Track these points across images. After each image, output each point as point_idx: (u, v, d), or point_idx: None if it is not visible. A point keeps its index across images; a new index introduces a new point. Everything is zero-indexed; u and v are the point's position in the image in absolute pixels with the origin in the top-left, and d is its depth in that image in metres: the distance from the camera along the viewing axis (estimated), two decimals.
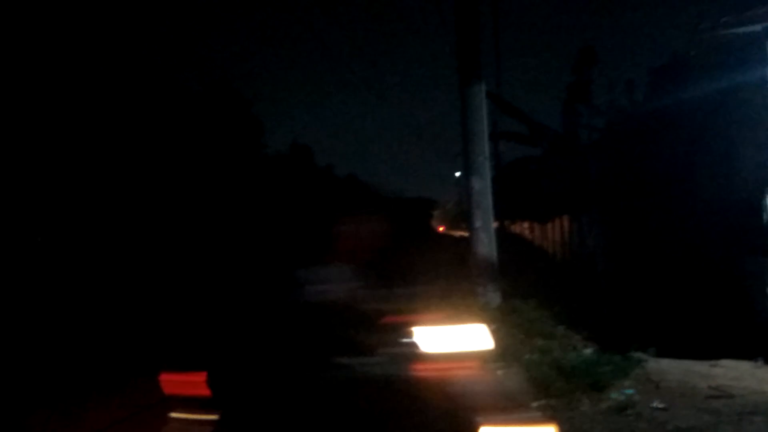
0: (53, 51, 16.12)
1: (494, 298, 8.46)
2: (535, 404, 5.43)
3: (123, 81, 17.84)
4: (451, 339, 2.77)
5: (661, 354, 6.85)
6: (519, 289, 9.09)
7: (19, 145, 14.81)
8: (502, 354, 6.58)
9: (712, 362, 6.60)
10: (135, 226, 17.63)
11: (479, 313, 7.65)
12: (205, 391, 2.75)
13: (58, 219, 16.25)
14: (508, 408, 2.59)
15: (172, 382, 2.86)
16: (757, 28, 6.83)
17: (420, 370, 2.69)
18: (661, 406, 5.35)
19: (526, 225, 28.45)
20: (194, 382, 2.76)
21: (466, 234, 10.72)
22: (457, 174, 53.12)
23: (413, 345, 2.75)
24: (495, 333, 7.55)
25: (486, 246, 8.62)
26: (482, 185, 8.67)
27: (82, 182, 16.20)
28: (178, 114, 19.22)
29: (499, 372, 6.05)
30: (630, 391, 5.74)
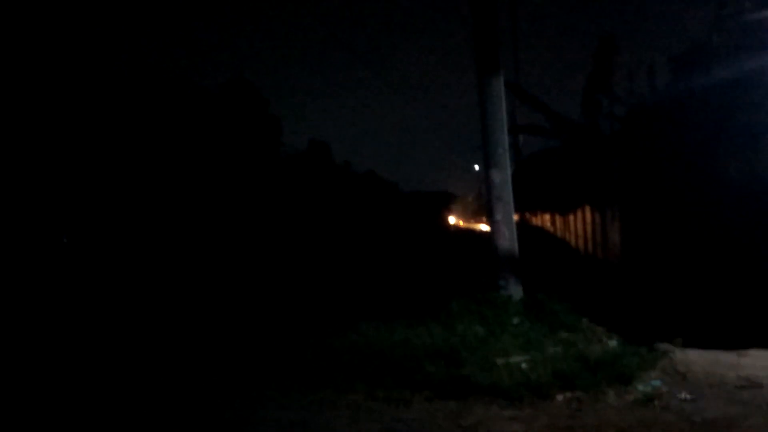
0: (78, 61, 16.42)
1: (516, 291, 8.42)
2: (560, 397, 5.40)
3: (141, 83, 18.08)
4: None
5: (688, 344, 6.75)
6: (541, 281, 9.03)
7: (44, 154, 15.19)
8: (526, 347, 6.55)
9: (741, 352, 6.50)
10: (155, 225, 17.91)
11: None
12: None
13: (82, 221, 16.58)
14: None
15: None
16: None
17: None
18: (688, 397, 5.29)
19: (547, 217, 28.24)
20: None
21: (488, 227, 10.67)
22: (477, 167, 52.96)
23: None
24: (518, 326, 7.53)
25: (507, 239, 8.57)
26: (502, 178, 8.61)
27: (104, 185, 16.51)
28: (198, 116, 19.45)
29: (524, 365, 6.04)
30: (657, 383, 5.67)
